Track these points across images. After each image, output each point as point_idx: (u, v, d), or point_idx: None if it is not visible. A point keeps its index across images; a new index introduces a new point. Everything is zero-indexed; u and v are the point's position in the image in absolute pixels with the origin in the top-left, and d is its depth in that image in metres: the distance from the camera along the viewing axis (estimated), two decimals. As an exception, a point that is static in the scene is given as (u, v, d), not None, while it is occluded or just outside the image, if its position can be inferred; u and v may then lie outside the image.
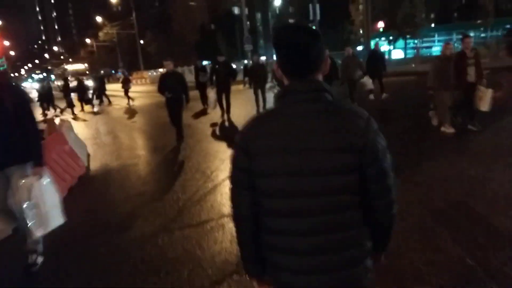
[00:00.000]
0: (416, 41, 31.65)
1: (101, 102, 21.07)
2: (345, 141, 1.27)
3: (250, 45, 28.69)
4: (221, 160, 6.98)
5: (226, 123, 10.87)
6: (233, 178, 1.44)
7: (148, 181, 6.35)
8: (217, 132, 10.03)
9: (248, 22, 61.84)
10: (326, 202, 1.30)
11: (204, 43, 61.09)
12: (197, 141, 8.92)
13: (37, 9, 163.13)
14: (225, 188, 5.43)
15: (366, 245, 1.38)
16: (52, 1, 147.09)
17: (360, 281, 1.37)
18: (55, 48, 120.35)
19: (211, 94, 11.45)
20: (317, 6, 25.41)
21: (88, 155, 8.45)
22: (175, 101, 8.42)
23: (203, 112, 13.30)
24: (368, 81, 11.61)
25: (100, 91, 20.99)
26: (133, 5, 49.82)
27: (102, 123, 14.33)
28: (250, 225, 1.43)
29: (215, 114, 11.96)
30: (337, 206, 1.31)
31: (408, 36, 30.00)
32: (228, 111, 11.42)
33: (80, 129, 12.76)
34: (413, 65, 22.84)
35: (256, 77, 11.57)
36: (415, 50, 30.36)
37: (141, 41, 70.54)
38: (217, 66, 11.10)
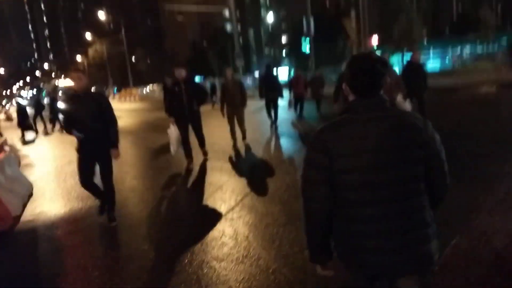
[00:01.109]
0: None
1: None
2: (410, 138, 1.56)
3: (242, 60, 27.36)
4: (191, 234, 5.05)
5: (198, 170, 7.29)
6: (308, 176, 1.65)
7: (80, 255, 4.53)
8: (188, 185, 6.68)
9: (240, 39, 61.21)
10: (402, 190, 1.55)
11: (196, 60, 59.91)
12: (159, 198, 7.13)
13: (30, 27, 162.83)
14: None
15: (434, 226, 1.63)
16: (45, 20, 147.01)
17: (432, 257, 1.61)
18: (46, 66, 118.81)
19: (171, 129, 7.31)
20: (311, 20, 24.16)
21: (29, 196, 6.71)
22: (93, 146, 4.62)
23: (165, 149, 8.68)
24: (405, 103, 7.84)
25: None
26: (123, 22, 48.49)
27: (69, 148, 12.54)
28: (322, 217, 1.65)
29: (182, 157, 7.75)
30: (411, 193, 1.57)
31: (405, 50, 28.75)
32: (202, 147, 7.74)
33: (39, 156, 11.01)
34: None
35: (228, 98, 8.56)
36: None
37: (133, 58, 69.42)
38: (176, 88, 7.09)
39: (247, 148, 8.89)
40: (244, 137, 8.96)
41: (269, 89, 10.48)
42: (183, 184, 6.81)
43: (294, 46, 44.93)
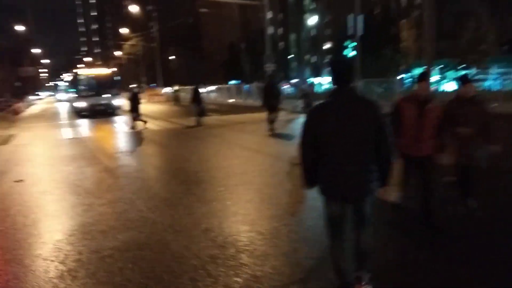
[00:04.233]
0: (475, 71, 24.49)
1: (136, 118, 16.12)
2: (367, 114, 2.65)
3: (272, 64, 23.30)
4: None
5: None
6: (303, 138, 2.81)
7: None
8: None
9: (283, 43, 56.77)
10: (359, 147, 2.66)
11: (232, 63, 56.49)
12: None
13: (80, 21, 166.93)
14: None
15: (376, 173, 2.73)
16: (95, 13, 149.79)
17: (372, 191, 2.78)
18: (86, 59, 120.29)
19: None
20: (361, 18, 19.61)
21: None
22: None
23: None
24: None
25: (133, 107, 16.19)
26: (156, 17, 45.71)
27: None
28: (310, 162, 2.80)
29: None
30: (362, 150, 2.66)
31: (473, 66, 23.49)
32: None
33: None
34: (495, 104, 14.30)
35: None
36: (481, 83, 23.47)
37: (172, 57, 67.06)
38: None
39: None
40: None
41: (271, 98, 11.74)
42: None
43: (337, 53, 40.37)
